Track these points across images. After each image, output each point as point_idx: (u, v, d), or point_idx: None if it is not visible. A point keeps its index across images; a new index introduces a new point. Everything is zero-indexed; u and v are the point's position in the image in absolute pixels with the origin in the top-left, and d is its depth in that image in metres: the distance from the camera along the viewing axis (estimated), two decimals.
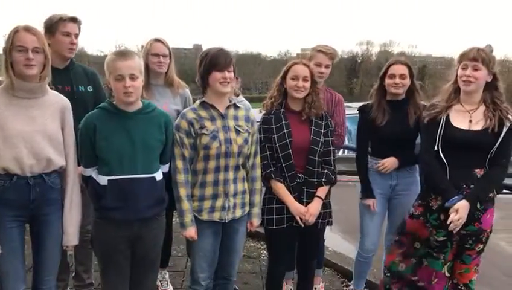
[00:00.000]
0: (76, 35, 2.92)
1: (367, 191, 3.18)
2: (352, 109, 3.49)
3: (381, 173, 3.12)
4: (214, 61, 2.45)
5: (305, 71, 2.74)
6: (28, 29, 2.21)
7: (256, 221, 2.76)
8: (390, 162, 3.06)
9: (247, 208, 2.70)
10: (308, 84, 2.74)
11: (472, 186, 2.58)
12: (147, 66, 3.09)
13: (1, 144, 2.20)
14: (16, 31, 2.19)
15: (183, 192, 2.50)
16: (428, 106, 2.82)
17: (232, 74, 2.50)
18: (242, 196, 2.65)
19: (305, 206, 2.73)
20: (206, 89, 2.55)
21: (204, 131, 2.47)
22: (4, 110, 2.21)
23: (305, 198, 2.75)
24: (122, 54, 2.31)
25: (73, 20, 2.91)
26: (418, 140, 3.05)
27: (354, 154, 3.39)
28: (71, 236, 2.45)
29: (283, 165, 2.72)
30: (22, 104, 2.25)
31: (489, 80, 2.62)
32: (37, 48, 2.21)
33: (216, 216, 2.56)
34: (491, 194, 2.65)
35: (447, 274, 2.76)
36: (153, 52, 3.15)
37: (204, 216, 2.55)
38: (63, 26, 2.86)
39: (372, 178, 3.18)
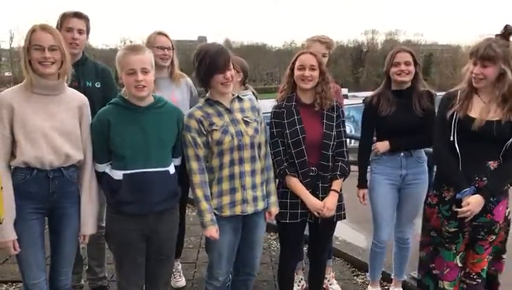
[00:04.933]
0: (80, 31, 2.95)
1: (362, 181, 3.20)
2: (358, 98, 3.48)
3: (390, 164, 3.12)
4: (213, 64, 2.40)
5: (312, 60, 2.69)
6: (44, 28, 2.27)
7: (274, 210, 2.70)
8: (381, 145, 3.08)
9: (267, 199, 2.67)
10: (315, 74, 2.69)
11: (485, 178, 2.55)
12: None
13: (22, 139, 2.26)
14: (33, 30, 2.25)
15: (200, 193, 2.45)
16: (446, 95, 2.75)
17: (232, 72, 2.48)
18: (261, 188, 2.62)
19: (320, 200, 2.70)
20: (209, 88, 2.52)
21: (214, 127, 2.44)
22: (25, 107, 2.27)
23: (320, 193, 2.70)
24: (134, 49, 2.33)
25: (77, 15, 2.93)
26: None
27: None
28: (89, 225, 2.48)
29: (296, 161, 2.68)
30: (41, 100, 2.30)
31: (504, 71, 2.51)
32: (53, 46, 2.26)
33: (238, 210, 2.53)
34: (504, 187, 2.62)
35: (460, 265, 2.75)
36: (157, 45, 3.19)
37: (226, 212, 2.51)
38: (66, 22, 2.91)
39: (381, 169, 3.17)
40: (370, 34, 65.95)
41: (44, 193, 2.34)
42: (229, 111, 2.52)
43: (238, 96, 2.61)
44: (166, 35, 3.25)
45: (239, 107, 2.58)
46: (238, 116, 2.54)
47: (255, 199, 2.57)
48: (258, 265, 2.84)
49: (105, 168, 2.43)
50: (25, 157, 2.26)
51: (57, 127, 2.31)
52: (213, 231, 2.47)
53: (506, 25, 2.54)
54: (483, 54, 2.49)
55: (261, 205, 2.61)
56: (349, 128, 16.44)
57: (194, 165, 2.45)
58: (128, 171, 2.35)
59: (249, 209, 2.56)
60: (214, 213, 2.50)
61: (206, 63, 2.41)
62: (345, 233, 4.57)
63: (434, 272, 2.84)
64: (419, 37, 65.71)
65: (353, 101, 18.73)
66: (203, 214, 2.47)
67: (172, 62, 3.29)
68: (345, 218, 2.89)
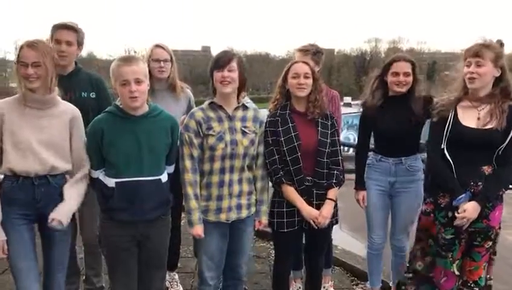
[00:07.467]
0: (68, 43, 2.93)
1: (359, 183, 3.20)
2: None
3: (380, 170, 3.14)
4: (214, 61, 2.52)
5: (306, 68, 2.73)
6: (29, 45, 2.32)
7: (264, 219, 2.75)
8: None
9: (253, 209, 2.70)
10: (309, 82, 2.72)
11: (480, 183, 2.55)
12: (149, 72, 3.14)
13: (10, 148, 2.33)
14: (21, 47, 2.33)
15: (190, 191, 2.52)
16: (434, 104, 2.79)
17: (233, 74, 2.50)
18: (248, 197, 2.66)
19: (315, 207, 2.71)
20: (215, 90, 2.57)
21: (211, 132, 2.50)
22: (16, 118, 2.33)
23: (314, 200, 2.71)
24: (127, 60, 2.36)
25: (66, 27, 2.94)
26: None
27: None
28: (61, 213, 2.36)
29: (291, 168, 2.68)
30: (33, 114, 2.37)
31: (498, 74, 2.56)
32: (36, 63, 2.31)
33: (223, 217, 2.59)
34: (499, 192, 2.61)
35: (457, 273, 2.74)
36: (154, 58, 3.20)
37: (211, 217, 2.57)
38: (56, 34, 2.92)
39: (371, 174, 3.19)
40: (373, 43, 66.32)
41: (29, 199, 2.37)
42: (230, 118, 2.55)
43: (243, 104, 2.64)
44: (163, 47, 3.25)
45: (241, 115, 2.61)
46: (238, 125, 2.57)
47: (239, 206, 2.62)
48: (245, 271, 2.88)
49: (99, 174, 2.46)
50: (11, 166, 2.33)
51: (44, 140, 2.36)
52: (200, 230, 2.54)
53: (498, 40, 2.63)
54: (476, 52, 2.53)
55: (244, 213, 2.65)
56: (353, 136, 16.32)
57: (187, 163, 2.52)
58: (120, 179, 2.38)
59: (233, 216, 2.61)
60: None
61: (211, 61, 2.54)
62: (345, 242, 4.56)
63: (434, 280, 2.82)
64: (422, 45, 65.92)
65: (357, 110, 18.81)
66: (191, 212, 2.53)
67: (171, 74, 3.29)
68: (337, 223, 2.92)
